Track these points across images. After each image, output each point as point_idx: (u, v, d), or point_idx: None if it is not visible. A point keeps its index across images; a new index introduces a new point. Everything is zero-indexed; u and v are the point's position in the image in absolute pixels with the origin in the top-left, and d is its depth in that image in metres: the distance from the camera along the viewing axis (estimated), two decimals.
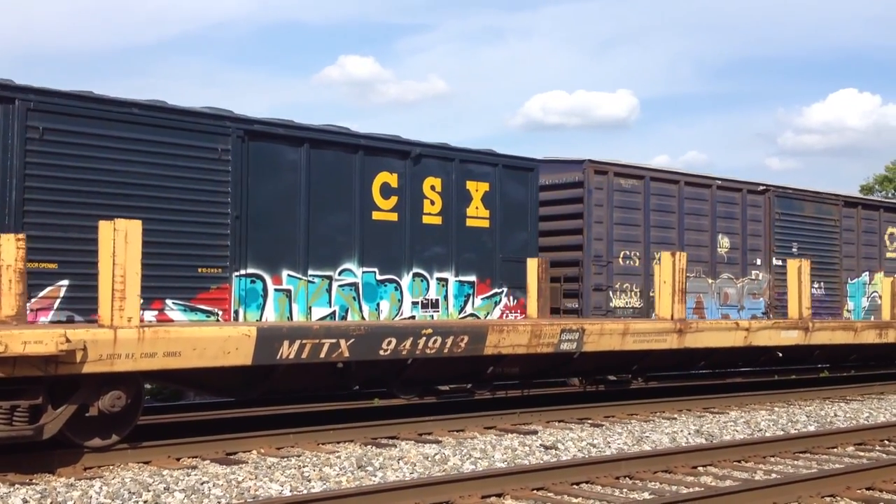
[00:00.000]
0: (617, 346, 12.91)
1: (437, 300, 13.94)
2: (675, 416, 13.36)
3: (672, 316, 13.54)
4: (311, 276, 12.63)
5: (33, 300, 10.19)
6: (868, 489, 8.39)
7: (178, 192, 11.46)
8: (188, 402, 13.31)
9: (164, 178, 11.36)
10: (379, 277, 13.34)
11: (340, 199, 12.98)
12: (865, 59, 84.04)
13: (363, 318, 13.00)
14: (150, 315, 10.91)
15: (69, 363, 8.32)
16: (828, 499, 8.05)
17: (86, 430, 9.09)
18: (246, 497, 7.87)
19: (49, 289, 10.41)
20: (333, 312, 12.84)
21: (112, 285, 8.79)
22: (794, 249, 18.93)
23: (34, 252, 9.94)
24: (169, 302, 11.26)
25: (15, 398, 8.29)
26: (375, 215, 13.34)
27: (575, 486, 8.38)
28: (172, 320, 11.12)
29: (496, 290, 14.64)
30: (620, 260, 16.20)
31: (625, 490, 8.37)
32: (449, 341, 11.14)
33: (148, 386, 11.09)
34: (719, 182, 17.99)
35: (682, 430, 11.88)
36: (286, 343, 9.85)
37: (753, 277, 18.39)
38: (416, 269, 13.72)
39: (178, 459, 9.39)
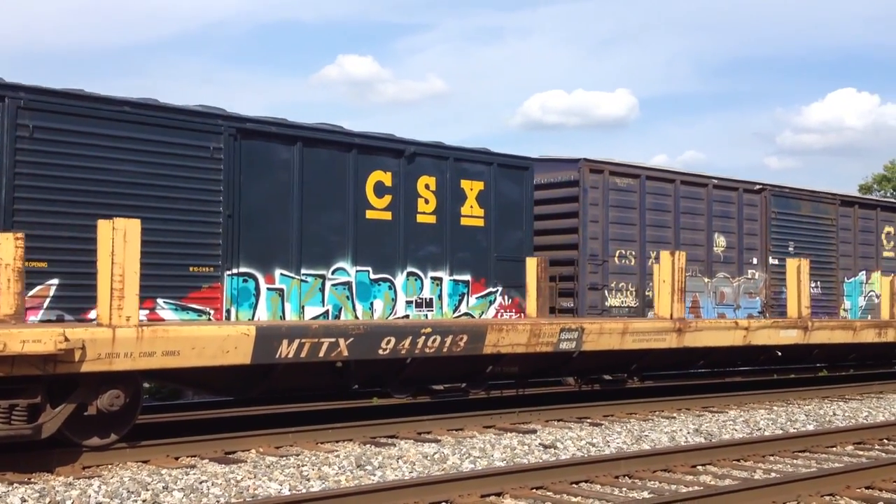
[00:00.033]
0: (616, 345, 12.91)
1: (431, 299, 13.91)
2: (674, 415, 13.36)
3: (671, 315, 13.53)
4: (304, 275, 12.59)
5: None
6: (868, 488, 8.38)
7: (169, 190, 11.41)
8: (187, 402, 13.30)
9: (155, 177, 11.32)
10: (373, 276, 13.31)
11: (334, 198, 12.94)
12: (864, 58, 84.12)
13: (356, 317, 12.96)
14: (141, 314, 10.86)
15: (68, 362, 8.31)
16: (827, 498, 8.04)
17: (84, 429, 9.08)
18: (245, 496, 7.86)
19: (39, 288, 10.38)
20: (327, 312, 12.80)
21: (111, 284, 8.78)
22: (791, 249, 18.92)
23: (24, 250, 9.87)
24: (160, 301, 11.22)
25: (13, 397, 8.27)
26: (369, 214, 13.31)
27: (574, 485, 8.37)
28: (164, 319, 11.09)
29: (491, 290, 14.61)
30: (616, 259, 16.19)
31: (624, 489, 8.36)
32: (448, 340, 11.13)
33: (146, 385, 11.07)
34: (715, 181, 17.97)
35: (681, 429, 11.88)
36: (285, 342, 9.84)
37: (750, 277, 18.38)
38: (410, 269, 13.69)
39: (176, 458, 9.38)
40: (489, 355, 11.82)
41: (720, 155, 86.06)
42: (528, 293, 14.25)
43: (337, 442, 10.54)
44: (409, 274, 13.69)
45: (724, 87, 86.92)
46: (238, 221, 11.98)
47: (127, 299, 8.80)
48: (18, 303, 9.19)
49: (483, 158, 14.70)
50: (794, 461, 9.92)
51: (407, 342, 10.81)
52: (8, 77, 10.50)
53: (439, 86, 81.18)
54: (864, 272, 20.86)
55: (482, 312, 14.39)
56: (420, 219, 13.84)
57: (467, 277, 14.37)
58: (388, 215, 13.49)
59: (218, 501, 7.66)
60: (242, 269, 12.04)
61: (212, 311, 11.65)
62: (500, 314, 14.56)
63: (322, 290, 12.80)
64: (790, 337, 15.21)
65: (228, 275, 11.87)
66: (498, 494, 7.96)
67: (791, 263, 15.76)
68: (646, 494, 8.09)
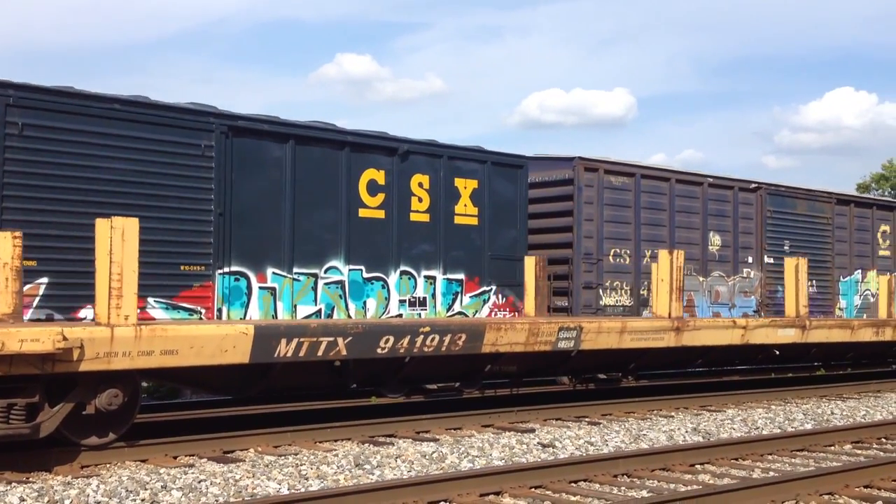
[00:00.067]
0: (614, 344, 12.90)
1: (424, 298, 13.86)
2: (673, 414, 13.36)
3: (669, 314, 13.53)
4: (296, 273, 12.53)
5: None
6: (866, 487, 8.39)
7: (160, 188, 11.34)
8: (185, 401, 13.28)
9: (146, 175, 11.25)
10: (366, 275, 13.25)
11: (326, 197, 12.87)
12: (862, 57, 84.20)
13: (349, 316, 12.89)
14: None
15: (66, 361, 8.30)
16: (826, 497, 8.04)
17: (83, 428, 9.07)
18: (244, 495, 7.85)
19: (28, 286, 10.27)
20: (319, 311, 12.74)
21: (109, 283, 8.76)
22: (786, 247, 18.90)
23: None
24: (151, 300, 11.18)
25: (12, 396, 8.26)
26: (362, 212, 13.24)
27: (573, 485, 8.37)
28: (154, 318, 11.06)
29: (485, 288, 14.56)
30: (611, 258, 16.16)
31: (623, 488, 8.36)
32: (447, 339, 11.12)
33: (145, 384, 11.05)
34: (710, 179, 17.93)
35: (679, 428, 11.88)
36: (283, 341, 9.82)
37: (745, 275, 18.36)
38: (403, 267, 13.63)
39: (175, 458, 9.37)
40: (488, 354, 11.81)
41: (718, 154, 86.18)
42: (526, 292, 14.22)
43: (335, 441, 10.54)
44: (403, 273, 13.64)
45: (723, 87, 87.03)
46: (230, 220, 11.90)
47: (125, 298, 8.79)
48: (16, 302, 9.17)
49: (477, 157, 14.64)
50: (793, 460, 9.93)
51: (405, 341, 10.80)
52: (2, 75, 10.47)
53: (438, 85, 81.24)
54: (859, 271, 20.85)
55: (476, 311, 14.35)
56: (413, 217, 13.79)
57: (461, 276, 14.32)
58: (381, 214, 13.44)
59: (217, 500, 7.65)
60: (234, 268, 11.96)
61: (203, 311, 11.57)
62: (493, 313, 14.52)
63: (314, 288, 12.74)
64: (788, 336, 15.21)
65: (220, 273, 11.80)
66: (497, 493, 7.96)
67: (789, 262, 15.76)
68: (644, 493, 8.09)
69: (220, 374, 10.30)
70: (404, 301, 13.61)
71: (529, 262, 14.20)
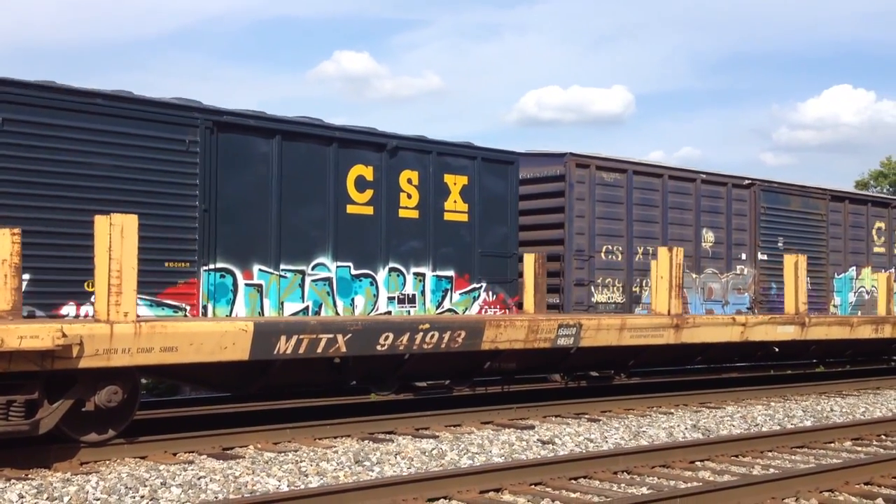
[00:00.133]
0: (614, 341, 12.90)
1: (413, 295, 13.73)
2: (672, 410, 13.36)
3: (669, 311, 13.52)
4: (283, 270, 12.39)
5: None
6: (867, 484, 8.39)
7: (143, 184, 11.19)
8: (184, 397, 13.27)
9: (129, 171, 11.09)
10: (354, 272, 13.12)
11: (314, 193, 12.72)
12: (860, 54, 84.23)
13: (337, 313, 12.79)
14: None
15: (65, 358, 8.29)
16: (826, 494, 8.03)
17: (82, 424, 9.06)
18: (243, 492, 7.84)
19: None
20: (306, 308, 12.61)
21: (108, 280, 8.75)
22: (780, 244, 18.84)
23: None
24: None
25: (11, 393, 8.25)
26: (350, 209, 13.09)
27: (573, 481, 8.36)
28: (138, 315, 10.95)
29: (475, 285, 14.43)
30: (603, 255, 16.08)
31: (623, 485, 8.36)
32: (446, 336, 11.11)
33: (144, 381, 11.04)
34: (704, 176, 17.85)
35: (678, 425, 11.88)
36: (283, 338, 9.81)
37: (738, 272, 18.31)
38: (392, 264, 13.50)
39: (174, 454, 9.37)
40: (487, 351, 11.81)
41: (716, 151, 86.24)
42: (525, 289, 14.21)
43: (335, 438, 10.53)
44: (392, 269, 13.50)
45: (721, 84, 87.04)
46: (215, 216, 11.74)
47: (124, 295, 8.78)
48: (16, 298, 9.16)
49: (467, 153, 14.50)
50: (792, 457, 9.93)
51: (405, 338, 10.79)
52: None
53: (436, 82, 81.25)
54: (854, 268, 20.78)
55: (466, 308, 14.25)
56: (402, 213, 13.64)
57: (451, 273, 14.19)
58: (369, 210, 13.29)
59: (216, 497, 7.64)
60: (220, 265, 11.81)
61: (188, 307, 11.43)
62: (484, 310, 14.42)
63: (302, 285, 12.59)
64: (787, 333, 15.21)
65: (205, 270, 11.64)
66: (497, 490, 7.96)
67: (789, 259, 15.74)
68: (644, 490, 8.09)
69: (220, 371, 10.29)
70: (393, 298, 13.50)
71: (529, 259, 14.19)
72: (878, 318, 17.36)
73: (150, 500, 7.51)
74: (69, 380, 8.73)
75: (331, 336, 10.16)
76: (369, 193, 13.30)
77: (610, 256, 16.16)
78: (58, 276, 10.42)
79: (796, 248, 18.43)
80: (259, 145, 12.27)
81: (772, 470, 9.00)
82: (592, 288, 15.85)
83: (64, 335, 8.13)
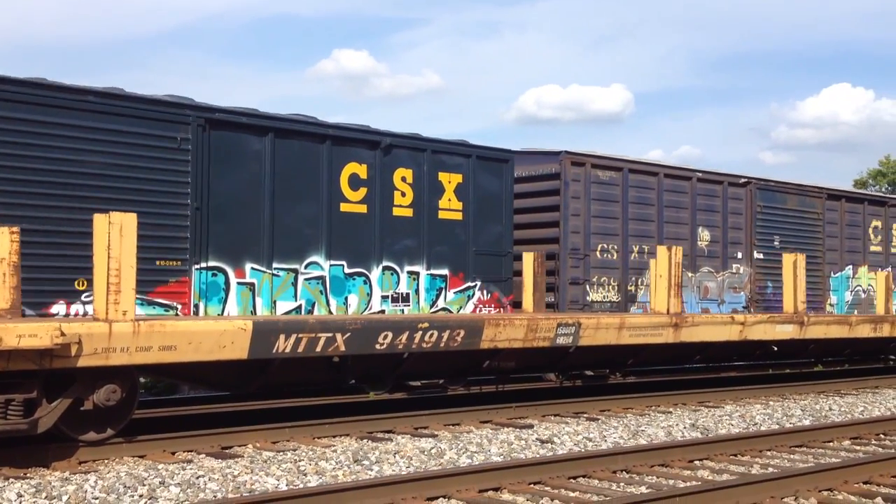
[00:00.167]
0: (613, 340, 12.89)
1: (407, 294, 13.68)
2: (671, 409, 13.36)
3: (668, 310, 13.52)
4: (275, 269, 12.32)
5: None
6: (865, 483, 8.39)
7: (134, 182, 11.11)
8: (183, 396, 13.26)
9: (120, 168, 11.03)
10: (347, 271, 13.05)
11: (307, 191, 12.66)
12: (859, 53, 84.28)
13: (330, 312, 12.73)
14: None
15: (64, 357, 8.27)
16: (825, 493, 8.03)
17: (81, 423, 9.05)
18: (242, 491, 7.84)
19: None
20: (299, 306, 12.55)
21: (107, 279, 8.74)
22: (776, 243, 18.80)
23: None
24: None
25: (9, 392, 8.24)
26: (344, 207, 13.03)
27: (572, 481, 8.35)
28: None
29: (469, 284, 14.36)
30: (598, 253, 16.04)
31: (622, 484, 8.36)
32: (445, 335, 11.10)
33: (143, 380, 11.02)
34: (699, 174, 17.80)
35: (677, 424, 11.88)
36: (282, 337, 9.80)
37: (734, 271, 18.28)
38: (386, 263, 13.43)
39: (173, 453, 9.36)
40: (486, 350, 11.80)
41: (715, 150, 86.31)
42: (524, 288, 14.20)
43: (334, 437, 10.53)
44: (385, 268, 13.43)
45: (720, 83, 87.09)
46: (207, 214, 11.67)
47: (123, 294, 8.77)
48: (14, 297, 9.15)
49: (461, 150, 14.44)
50: (791, 456, 9.93)
51: (404, 337, 10.78)
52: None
53: (435, 81, 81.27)
54: (850, 266, 20.71)
55: (460, 307, 14.20)
56: (396, 212, 13.57)
57: (445, 272, 14.13)
58: (363, 208, 13.22)
59: (215, 496, 7.63)
60: (211, 263, 11.73)
61: (179, 306, 11.38)
62: (478, 309, 14.38)
63: (294, 284, 12.52)
64: (786, 332, 15.20)
65: (196, 269, 11.57)
66: (496, 489, 7.95)
67: (788, 258, 15.73)
68: (643, 489, 8.09)
69: (219, 370, 10.28)
70: (387, 297, 13.44)
71: (528, 258, 14.18)
72: (876, 317, 17.36)
73: (149, 499, 7.50)
74: (68, 379, 8.71)
75: (330, 335, 10.15)
76: (363, 191, 13.25)
77: (605, 255, 16.13)
78: (48, 274, 10.35)
79: (792, 246, 18.39)
80: (252, 143, 12.20)
81: (771, 469, 9.00)
82: (588, 287, 15.82)
83: (62, 334, 8.12)
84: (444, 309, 13.97)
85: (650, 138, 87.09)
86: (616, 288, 16.21)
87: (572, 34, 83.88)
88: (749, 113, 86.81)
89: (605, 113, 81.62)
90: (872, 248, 21.24)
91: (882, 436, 11.29)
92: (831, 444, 10.69)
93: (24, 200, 10.33)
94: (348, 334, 10.28)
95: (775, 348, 16.07)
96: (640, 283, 16.41)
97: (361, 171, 13.22)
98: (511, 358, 12.81)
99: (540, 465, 8.56)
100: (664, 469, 8.98)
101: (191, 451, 9.47)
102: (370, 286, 13.26)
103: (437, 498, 7.58)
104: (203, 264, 11.66)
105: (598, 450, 9.79)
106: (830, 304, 20.19)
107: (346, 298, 13.01)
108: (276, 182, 12.35)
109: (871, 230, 21.21)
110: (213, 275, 11.77)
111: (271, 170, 12.31)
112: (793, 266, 15.53)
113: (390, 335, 10.65)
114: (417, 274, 13.78)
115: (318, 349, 10.10)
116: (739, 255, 18.35)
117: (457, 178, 14.29)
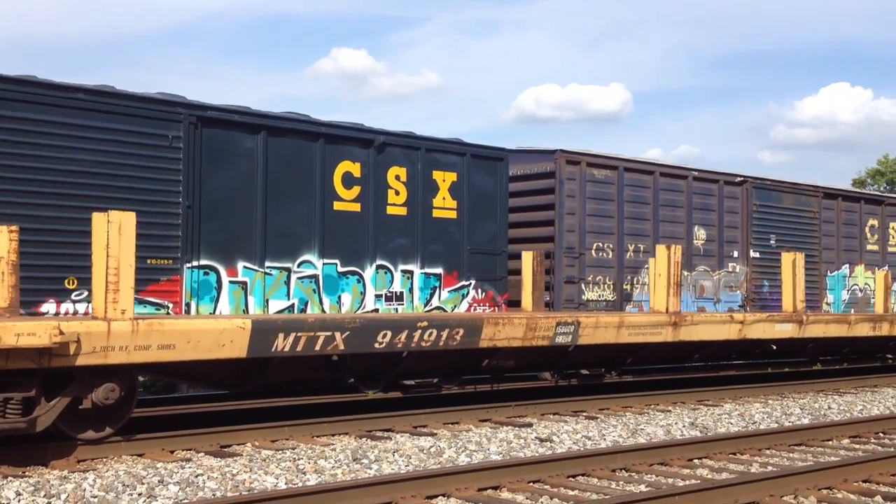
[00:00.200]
0: (612, 339, 12.89)
1: (401, 293, 13.62)
2: (670, 408, 13.36)
3: (667, 309, 13.51)
4: (268, 267, 12.26)
5: None
6: (865, 482, 8.38)
7: (125, 180, 11.07)
8: (182, 395, 13.25)
9: (111, 166, 10.98)
10: (340, 269, 13.00)
11: (300, 189, 12.61)
12: (857, 53, 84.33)
13: (323, 311, 12.69)
14: None
15: (63, 355, 8.26)
16: (825, 491, 8.03)
17: (79, 422, 9.04)
18: (241, 490, 7.83)
19: None
20: (292, 305, 12.51)
21: (106, 277, 8.73)
22: (773, 241, 18.78)
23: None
24: None
25: (8, 390, 8.23)
26: (337, 205, 12.97)
27: (571, 479, 8.35)
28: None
29: (464, 283, 14.32)
30: (593, 252, 16.00)
31: (621, 482, 8.35)
32: (444, 334, 11.10)
33: (141, 378, 11.01)
34: (695, 173, 17.76)
35: (676, 423, 11.88)
36: (281, 336, 9.79)
37: (730, 270, 18.27)
38: (379, 261, 13.38)
39: (172, 452, 9.35)
40: (485, 349, 11.79)
41: (714, 149, 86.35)
42: (523, 286, 14.19)
43: (333, 435, 10.52)
44: (379, 267, 13.39)
45: (718, 82, 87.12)
46: (198, 212, 11.61)
47: (122, 292, 8.76)
48: (13, 296, 9.14)
49: (456, 149, 14.38)
50: (791, 455, 9.92)
51: (403, 336, 10.77)
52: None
53: (434, 80, 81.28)
54: (847, 265, 20.69)
55: (454, 306, 14.15)
56: (390, 210, 13.52)
57: (439, 270, 14.08)
58: (356, 207, 13.16)
59: (214, 495, 7.63)
60: (203, 262, 11.69)
61: (171, 305, 11.34)
62: (472, 308, 14.35)
63: (287, 283, 12.47)
64: (785, 331, 15.20)
65: (188, 267, 11.52)
66: (495, 488, 7.94)
67: (786, 257, 15.73)
68: (643, 488, 8.08)
69: (217, 369, 10.27)
70: (380, 296, 13.39)
71: (527, 257, 14.17)
72: (875, 316, 17.36)
73: (148, 497, 7.49)
74: (66, 377, 8.70)
75: (329, 334, 10.14)
76: (356, 190, 13.19)
77: (601, 254, 16.10)
78: (38, 272, 10.29)
79: (789, 245, 18.36)
80: (244, 141, 12.15)
81: (770, 468, 9.00)
82: (583, 285, 15.80)
83: (61, 332, 8.11)
84: (438, 308, 13.94)
85: (649, 138, 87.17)
86: (611, 287, 16.19)
87: (571, 33, 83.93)
88: (748, 112, 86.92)
89: (604, 112, 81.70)
90: (869, 247, 21.23)
91: (881, 434, 11.29)
92: (830, 442, 10.69)
93: (13, 199, 10.26)
94: (347, 333, 10.27)
95: (774, 347, 16.07)
96: (635, 281, 16.40)
97: (355, 169, 13.17)
98: (510, 357, 12.81)
99: (539, 463, 8.55)
100: (663, 468, 8.98)
101: (190, 450, 9.46)
102: (364, 285, 13.23)
103: (436, 496, 7.57)
104: (195, 263, 11.61)
105: (597, 448, 9.79)
106: (827, 303, 20.17)
107: (339, 297, 12.97)
108: (268, 180, 12.28)
109: (867, 229, 21.20)
110: (205, 273, 11.73)
111: (264, 168, 12.26)
112: (792, 265, 15.53)
113: (389, 334, 10.64)
114: (411, 273, 13.74)
115: (317, 348, 10.10)
116: (735, 254, 18.32)
117: (451, 177, 14.24)
